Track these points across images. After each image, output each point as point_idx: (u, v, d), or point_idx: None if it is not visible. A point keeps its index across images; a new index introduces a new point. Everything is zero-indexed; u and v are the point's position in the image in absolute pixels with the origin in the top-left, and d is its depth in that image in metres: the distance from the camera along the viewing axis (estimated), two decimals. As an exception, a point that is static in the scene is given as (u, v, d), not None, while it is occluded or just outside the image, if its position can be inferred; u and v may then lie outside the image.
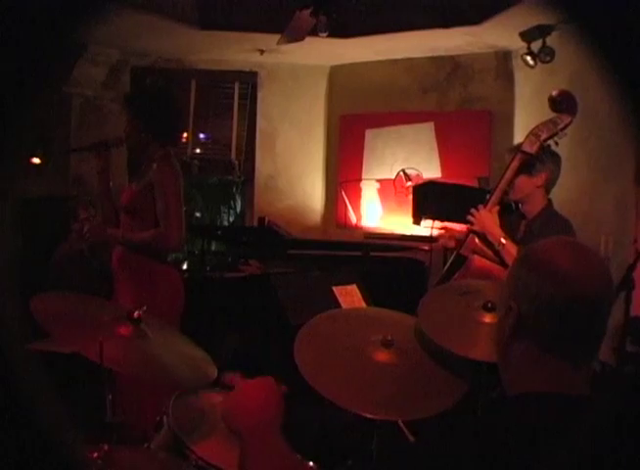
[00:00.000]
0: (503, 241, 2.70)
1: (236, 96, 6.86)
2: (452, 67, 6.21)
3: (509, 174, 2.77)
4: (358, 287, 3.38)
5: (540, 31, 5.08)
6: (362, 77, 6.54)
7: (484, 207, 2.78)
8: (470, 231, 2.81)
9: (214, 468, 1.54)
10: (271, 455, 1.26)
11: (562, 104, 2.73)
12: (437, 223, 4.98)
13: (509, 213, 2.92)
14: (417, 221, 5.21)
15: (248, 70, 6.72)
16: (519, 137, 5.13)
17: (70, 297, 2.11)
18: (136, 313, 1.82)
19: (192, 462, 1.56)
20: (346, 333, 1.92)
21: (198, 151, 6.93)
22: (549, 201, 2.88)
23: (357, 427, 2.08)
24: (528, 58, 5.28)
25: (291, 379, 1.60)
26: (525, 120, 5.60)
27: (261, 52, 6.22)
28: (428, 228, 5.14)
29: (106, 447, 1.53)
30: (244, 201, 7.14)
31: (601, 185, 4.82)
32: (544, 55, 5.14)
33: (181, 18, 5.32)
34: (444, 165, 6.20)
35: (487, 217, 2.75)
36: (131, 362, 1.78)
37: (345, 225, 6.55)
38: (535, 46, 5.22)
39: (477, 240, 2.80)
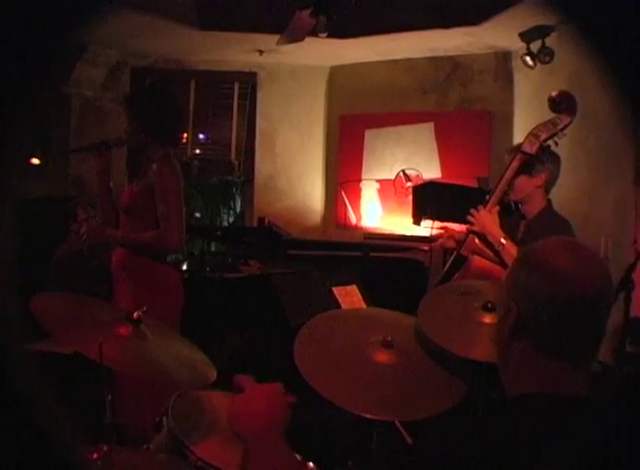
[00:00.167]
0: (503, 241, 2.70)
1: (235, 96, 6.87)
2: (452, 67, 6.21)
3: (509, 175, 2.77)
4: (358, 287, 3.39)
5: (540, 32, 5.09)
6: (362, 78, 6.54)
7: (484, 207, 2.78)
8: (470, 231, 2.81)
9: (214, 469, 1.54)
10: (274, 460, 1.26)
11: (561, 104, 2.73)
12: (437, 224, 4.98)
13: (509, 214, 2.92)
14: (417, 222, 5.22)
15: (247, 70, 6.72)
16: (518, 137, 5.13)
17: (70, 297, 2.11)
18: (136, 314, 1.82)
19: (191, 463, 1.55)
20: (346, 333, 1.92)
21: (197, 151, 6.94)
22: (549, 201, 2.88)
23: (357, 427, 2.08)
24: (528, 58, 5.28)
25: (291, 379, 1.60)
26: (525, 121, 5.61)
27: (261, 52, 6.22)
28: (428, 228, 5.15)
29: (105, 448, 1.53)
30: (243, 201, 7.15)
31: (601, 186, 4.82)
32: (543, 55, 5.15)
33: (181, 18, 5.32)
34: (444, 166, 6.21)
35: (487, 218, 2.75)
36: (130, 363, 1.78)
37: (345, 226, 6.55)
38: (535, 47, 5.23)
39: (476, 240, 2.80)
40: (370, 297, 3.36)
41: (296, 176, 6.82)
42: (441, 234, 3.08)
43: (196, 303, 3.45)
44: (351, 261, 5.13)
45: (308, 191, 6.83)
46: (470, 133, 6.08)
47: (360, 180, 6.56)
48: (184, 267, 5.77)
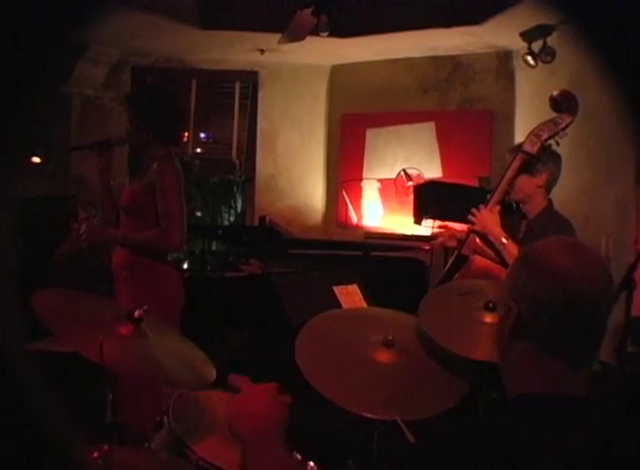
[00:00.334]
0: (504, 241, 2.69)
1: (237, 96, 6.86)
2: (453, 66, 6.21)
3: (510, 174, 2.77)
4: (359, 287, 3.38)
5: (541, 31, 5.09)
6: (363, 77, 6.54)
7: (485, 206, 2.78)
8: (471, 231, 2.81)
9: (215, 468, 1.54)
10: (272, 461, 1.26)
11: (562, 104, 2.73)
12: (438, 223, 4.98)
13: (510, 213, 2.92)
14: (418, 221, 5.21)
15: (248, 69, 6.72)
16: (519, 137, 5.12)
17: (72, 294, 2.11)
18: (136, 313, 1.82)
19: (192, 462, 1.55)
20: (347, 333, 1.92)
21: (198, 150, 6.94)
22: (550, 201, 2.88)
23: (358, 427, 2.07)
24: (529, 58, 5.28)
25: (291, 379, 1.60)
26: (526, 120, 5.60)
27: (262, 52, 6.22)
28: (428, 228, 5.15)
29: (106, 447, 1.53)
30: (244, 200, 7.15)
31: (602, 185, 4.82)
32: (545, 55, 5.14)
33: (182, 17, 5.32)
34: (445, 165, 6.21)
35: (488, 217, 2.75)
36: (131, 362, 1.78)
37: (346, 225, 6.55)
38: (536, 46, 5.22)
39: (477, 240, 2.80)
40: (371, 296, 3.36)
41: (296, 175, 6.82)
42: (442, 233, 3.08)
43: (196, 302, 3.44)
44: (352, 261, 5.14)
45: (309, 190, 6.83)
46: (471, 133, 6.08)
47: (361, 180, 6.56)
48: (185, 266, 5.77)
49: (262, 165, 6.84)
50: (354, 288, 3.37)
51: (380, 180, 6.47)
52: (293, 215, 6.59)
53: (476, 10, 5.03)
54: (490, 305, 1.87)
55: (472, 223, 2.80)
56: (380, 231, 6.33)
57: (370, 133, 6.51)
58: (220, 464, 1.54)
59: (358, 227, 6.52)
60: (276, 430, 1.30)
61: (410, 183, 6.07)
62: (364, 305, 3.31)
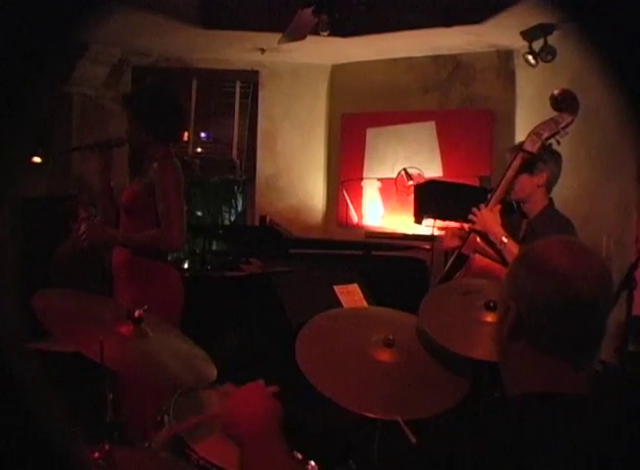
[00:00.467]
0: (505, 240, 2.69)
1: (237, 95, 6.86)
2: (453, 66, 6.20)
3: (510, 173, 2.77)
4: (359, 286, 3.38)
5: (542, 30, 5.08)
6: (363, 76, 6.54)
7: (486, 206, 2.78)
8: (471, 230, 2.81)
9: (215, 468, 1.54)
10: (271, 460, 1.26)
11: (563, 103, 2.73)
12: (439, 222, 4.99)
13: (510, 213, 2.92)
14: (418, 220, 5.21)
15: (249, 69, 6.72)
16: (520, 136, 5.12)
17: (72, 294, 2.11)
18: (137, 313, 1.82)
19: (193, 462, 1.55)
20: (348, 332, 1.92)
21: (199, 150, 6.94)
22: (550, 200, 2.88)
23: (359, 427, 2.08)
24: (530, 57, 5.27)
25: (292, 378, 1.60)
26: (527, 120, 5.60)
27: (263, 51, 6.22)
28: (429, 227, 5.15)
29: (107, 447, 1.53)
30: (245, 200, 7.15)
31: (602, 184, 4.81)
32: (545, 54, 5.14)
33: (183, 17, 5.31)
34: (446, 165, 6.20)
35: (489, 216, 2.75)
36: (132, 362, 1.78)
37: (347, 224, 6.55)
38: (537, 45, 5.22)
39: (478, 239, 2.80)
40: (371, 296, 3.36)
41: (297, 175, 6.82)
42: (444, 235, 3.08)
43: (197, 301, 3.44)
44: (353, 260, 5.14)
45: (310, 190, 6.83)
46: (471, 132, 6.08)
47: (362, 179, 6.56)
48: (185, 266, 5.77)
49: (263, 165, 6.84)
50: (355, 287, 3.37)
51: (380, 180, 6.47)
52: (293, 215, 6.59)
53: (476, 9, 5.03)
54: (491, 304, 1.87)
55: (472, 223, 2.80)
56: (380, 230, 6.33)
57: (370, 133, 6.51)
58: (221, 464, 1.54)
59: (359, 227, 6.52)
60: (271, 424, 1.29)
61: (411, 182, 6.07)
62: (365, 304, 3.31)
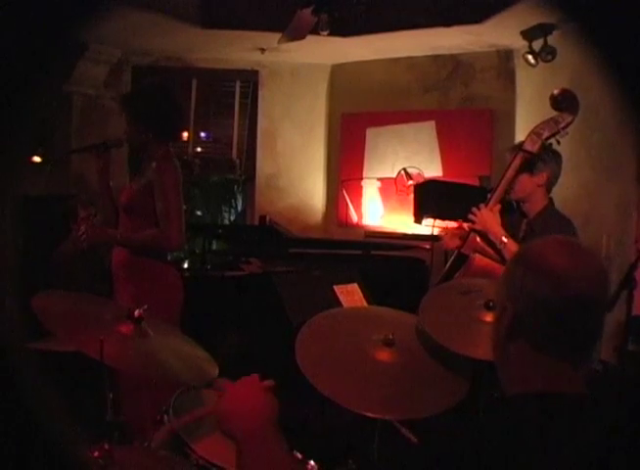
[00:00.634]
0: (505, 240, 2.69)
1: (237, 95, 6.86)
2: (453, 65, 6.20)
3: (510, 173, 2.77)
4: (359, 286, 3.38)
5: (542, 30, 5.08)
6: (363, 76, 6.53)
7: (486, 205, 2.78)
8: (471, 230, 2.81)
9: (215, 467, 1.54)
10: (268, 456, 1.26)
11: (563, 102, 2.73)
12: (439, 222, 4.99)
13: (510, 212, 2.92)
14: (418, 220, 5.21)
15: (249, 68, 6.71)
16: (520, 136, 5.12)
17: (72, 295, 2.11)
18: (137, 312, 1.82)
19: (192, 461, 1.56)
20: (347, 332, 1.92)
21: (199, 150, 6.94)
22: (550, 200, 2.88)
23: (358, 426, 2.07)
24: (530, 57, 5.27)
25: (292, 378, 1.60)
26: (527, 119, 5.59)
27: (262, 51, 6.22)
28: (429, 227, 5.15)
29: (106, 446, 1.53)
30: (245, 199, 7.15)
31: (602, 184, 4.81)
32: (545, 54, 5.14)
33: (183, 16, 5.31)
34: (445, 164, 6.20)
35: (489, 216, 2.75)
36: (132, 361, 1.78)
37: (347, 224, 6.55)
38: (537, 45, 5.22)
39: (478, 239, 2.80)
40: (371, 295, 3.36)
41: (297, 175, 6.82)
42: (444, 234, 3.08)
43: (197, 301, 3.44)
44: (353, 260, 5.14)
45: (310, 189, 6.83)
46: (471, 132, 6.07)
47: (362, 179, 6.55)
48: (185, 266, 5.77)
49: (263, 165, 6.84)
50: (355, 287, 3.37)
51: (380, 179, 6.46)
52: (293, 215, 6.59)
53: (476, 9, 5.03)
54: (491, 303, 1.87)
55: (472, 222, 2.80)
56: (380, 230, 6.32)
57: (370, 132, 6.51)
58: (220, 463, 1.54)
59: (358, 226, 6.51)
60: (267, 418, 1.29)
61: (410, 182, 6.07)
62: (364, 304, 3.30)
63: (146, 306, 1.85)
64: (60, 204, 5.46)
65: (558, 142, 2.75)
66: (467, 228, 2.86)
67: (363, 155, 6.55)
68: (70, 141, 6.04)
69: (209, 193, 7.08)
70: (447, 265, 2.88)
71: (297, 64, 6.63)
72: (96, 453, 1.51)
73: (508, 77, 5.97)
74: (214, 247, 6.46)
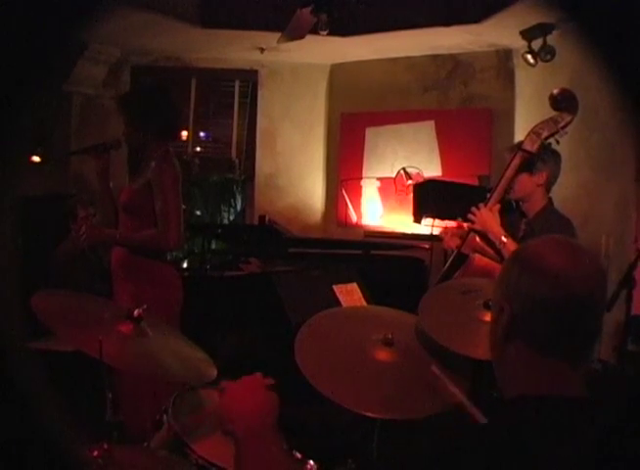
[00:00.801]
0: (504, 239, 2.69)
1: (236, 94, 6.86)
2: (453, 65, 6.20)
3: (510, 173, 2.77)
4: (359, 285, 3.39)
5: (541, 30, 5.08)
6: (363, 76, 6.53)
7: (485, 205, 2.78)
8: (470, 230, 2.81)
9: (214, 467, 1.54)
10: (267, 455, 1.26)
11: (562, 102, 2.73)
12: (438, 222, 4.99)
13: (509, 212, 2.92)
14: (417, 220, 5.21)
15: (248, 68, 6.71)
16: (519, 136, 5.12)
17: (72, 294, 2.12)
18: (136, 312, 1.82)
19: (192, 461, 1.56)
20: (347, 331, 1.92)
21: (198, 149, 6.93)
22: (549, 199, 2.88)
23: (358, 426, 2.08)
24: (529, 56, 5.27)
25: (291, 378, 1.60)
26: (526, 119, 5.59)
27: (262, 50, 6.22)
28: (428, 227, 5.15)
29: (106, 446, 1.53)
30: (244, 199, 7.14)
31: (602, 184, 4.81)
32: (545, 53, 5.14)
33: (182, 16, 5.31)
34: (445, 164, 6.20)
35: (488, 216, 2.75)
36: (131, 360, 1.78)
37: (346, 224, 6.55)
38: (536, 45, 5.22)
39: (477, 239, 2.80)
40: (370, 295, 3.36)
41: (296, 174, 6.82)
42: (445, 233, 3.08)
43: (196, 301, 3.44)
44: (352, 260, 5.14)
45: (309, 189, 6.83)
46: (471, 131, 6.07)
47: (361, 178, 6.55)
48: (184, 265, 5.77)
49: (262, 164, 6.84)
50: (354, 287, 3.38)
51: (379, 179, 6.46)
52: (292, 214, 6.59)
53: (476, 8, 5.03)
54: (490, 303, 1.87)
55: (471, 222, 2.80)
56: (379, 230, 6.32)
57: (370, 132, 6.51)
58: (220, 463, 1.54)
59: (358, 226, 6.51)
60: (267, 416, 1.29)
61: (410, 182, 6.07)
62: (364, 303, 3.31)
63: (145, 306, 1.85)
64: (59, 204, 5.45)
65: (557, 142, 2.75)
66: (466, 228, 2.86)
67: (362, 154, 6.55)
68: (70, 141, 6.04)
69: (209, 193, 7.08)
70: (447, 265, 2.88)
71: (296, 63, 6.63)
72: (95, 453, 1.51)
73: (507, 77, 5.97)
74: (214, 246, 6.46)
